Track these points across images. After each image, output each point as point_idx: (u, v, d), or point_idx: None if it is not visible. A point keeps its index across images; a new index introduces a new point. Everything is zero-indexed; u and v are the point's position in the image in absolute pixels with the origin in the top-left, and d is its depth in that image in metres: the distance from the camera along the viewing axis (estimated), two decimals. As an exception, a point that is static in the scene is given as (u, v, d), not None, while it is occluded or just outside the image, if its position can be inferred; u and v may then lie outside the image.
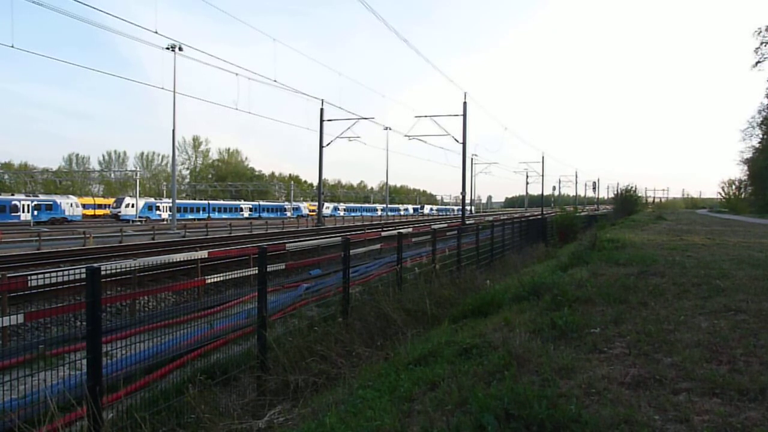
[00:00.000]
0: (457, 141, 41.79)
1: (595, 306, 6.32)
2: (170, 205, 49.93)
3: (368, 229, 40.30)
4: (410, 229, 27.34)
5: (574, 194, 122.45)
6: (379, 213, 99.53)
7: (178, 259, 15.52)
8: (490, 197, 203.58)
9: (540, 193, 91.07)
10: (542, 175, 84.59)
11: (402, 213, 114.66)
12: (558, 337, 5.05)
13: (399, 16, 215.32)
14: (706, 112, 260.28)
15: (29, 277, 7.29)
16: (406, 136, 43.13)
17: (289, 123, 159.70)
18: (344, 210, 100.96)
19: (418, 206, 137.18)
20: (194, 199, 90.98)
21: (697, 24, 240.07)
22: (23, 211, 56.26)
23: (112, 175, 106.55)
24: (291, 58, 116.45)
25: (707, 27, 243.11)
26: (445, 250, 14.55)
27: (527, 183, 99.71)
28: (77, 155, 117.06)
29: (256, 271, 6.62)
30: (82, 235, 28.41)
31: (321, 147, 43.36)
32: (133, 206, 65.95)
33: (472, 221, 41.40)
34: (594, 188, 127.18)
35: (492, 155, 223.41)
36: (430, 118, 41.57)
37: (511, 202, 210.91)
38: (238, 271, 11.99)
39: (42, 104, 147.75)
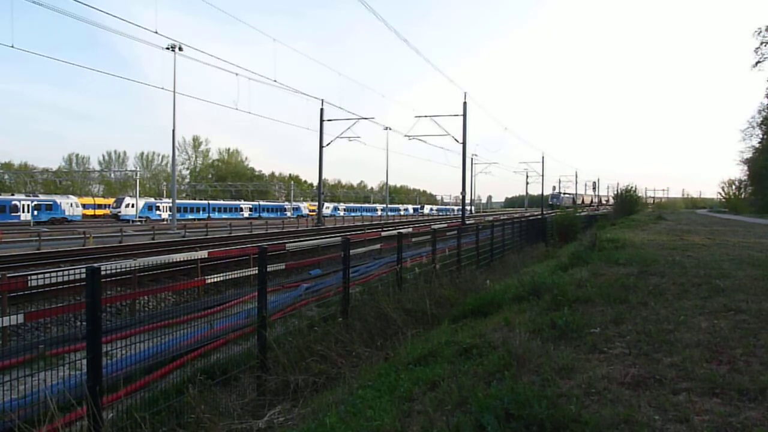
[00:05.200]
0: (457, 141, 41.81)
1: (595, 306, 6.32)
2: (170, 205, 49.92)
3: (368, 229, 40.29)
4: (410, 229, 27.32)
5: (591, 195, 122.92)
6: (379, 213, 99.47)
7: (178, 259, 15.51)
8: (490, 197, 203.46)
9: (540, 193, 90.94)
10: (542, 175, 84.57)
11: (402, 213, 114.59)
12: (558, 337, 5.05)
13: (399, 16, 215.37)
14: (706, 112, 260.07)
15: (29, 277, 7.28)
16: (406, 136, 43.14)
17: (289, 123, 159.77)
18: (344, 210, 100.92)
19: (418, 206, 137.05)
20: (194, 199, 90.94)
21: (697, 24, 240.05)
22: (23, 211, 56.27)
23: (112, 175, 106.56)
24: (291, 58, 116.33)
25: (707, 27, 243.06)
26: (445, 250, 14.55)
27: (527, 183, 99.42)
28: (77, 155, 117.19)
29: (256, 271, 6.62)
30: (82, 235, 28.40)
31: (321, 147, 43.35)
32: (133, 206, 65.95)
33: (472, 221, 41.38)
34: (594, 188, 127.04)
35: (492, 155, 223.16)
36: (430, 118, 41.58)
37: (511, 202, 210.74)
38: (238, 271, 11.98)
39: (42, 104, 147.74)
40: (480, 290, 9.93)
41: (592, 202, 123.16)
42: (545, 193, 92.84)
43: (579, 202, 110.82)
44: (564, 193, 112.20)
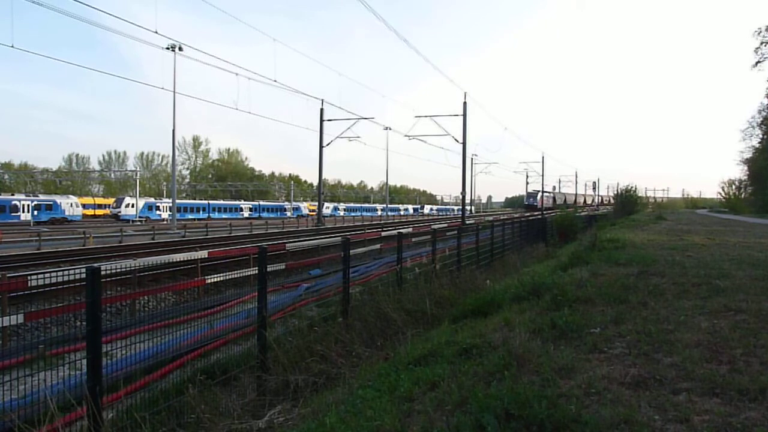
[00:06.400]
0: (457, 141, 41.76)
1: (595, 306, 6.32)
2: (170, 205, 49.94)
3: (368, 229, 40.28)
4: (410, 229, 27.32)
5: (574, 194, 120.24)
6: (379, 213, 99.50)
7: (178, 259, 15.51)
8: (490, 197, 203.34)
9: (540, 192, 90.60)
10: (542, 175, 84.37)
11: (402, 213, 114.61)
12: (558, 337, 5.05)
13: (399, 16, 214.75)
14: (706, 112, 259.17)
15: (29, 277, 7.29)
16: (406, 136, 43.05)
17: (289, 123, 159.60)
18: (344, 210, 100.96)
19: (418, 206, 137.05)
20: (194, 199, 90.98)
21: (697, 24, 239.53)
22: (23, 211, 56.29)
23: (112, 175, 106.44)
24: (291, 58, 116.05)
25: (707, 27, 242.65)
26: (445, 250, 14.54)
27: (527, 183, 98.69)
28: (77, 155, 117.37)
29: (256, 271, 6.62)
30: (82, 235, 28.41)
31: (321, 147, 43.30)
32: (133, 206, 65.96)
33: (472, 221, 41.37)
34: (594, 188, 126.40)
35: (492, 155, 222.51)
36: (430, 118, 41.51)
37: (511, 202, 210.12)
38: (238, 271, 11.98)
39: (42, 104, 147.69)
40: (480, 290, 9.93)
41: (576, 201, 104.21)
42: (543, 191, 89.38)
43: (561, 201, 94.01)
44: (543, 192, 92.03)
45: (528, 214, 56.80)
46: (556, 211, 55.12)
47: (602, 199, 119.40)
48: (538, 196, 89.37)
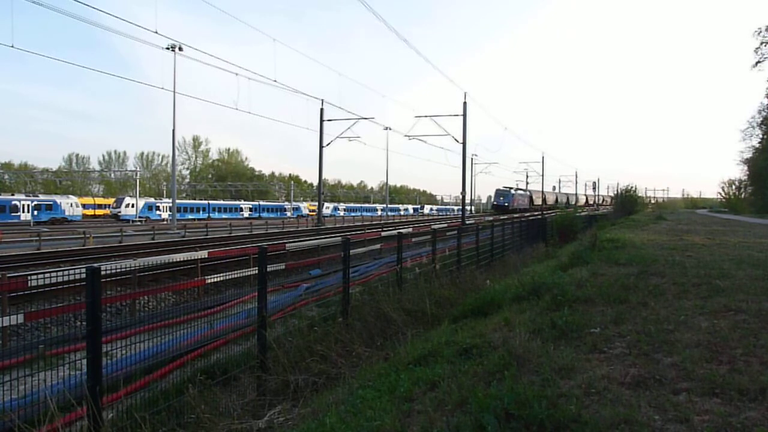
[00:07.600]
0: (457, 141, 41.73)
1: (595, 306, 6.32)
2: (170, 205, 49.96)
3: (368, 229, 40.27)
4: (410, 229, 27.34)
5: (574, 194, 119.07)
6: (379, 213, 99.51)
7: (178, 259, 15.52)
8: (490, 197, 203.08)
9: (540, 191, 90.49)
10: (542, 175, 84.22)
11: (402, 213, 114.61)
12: (558, 337, 5.05)
13: (399, 16, 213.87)
14: (706, 112, 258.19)
15: (29, 277, 7.30)
16: (406, 136, 43.01)
17: (289, 123, 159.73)
18: (344, 210, 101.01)
19: (418, 206, 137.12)
20: (194, 199, 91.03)
21: (697, 24, 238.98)
22: (23, 211, 56.31)
23: (112, 175, 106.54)
24: (291, 58, 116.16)
25: (707, 27, 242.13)
26: (445, 250, 14.55)
27: (527, 183, 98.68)
28: (77, 155, 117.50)
29: (256, 271, 6.63)
30: (82, 235, 28.40)
31: (321, 147, 43.28)
32: (133, 206, 66.00)
33: (472, 221, 41.37)
34: (594, 188, 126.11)
35: (492, 155, 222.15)
36: (430, 118, 41.47)
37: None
38: (238, 271, 12.00)
39: (42, 104, 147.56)
40: (480, 290, 9.92)
41: (557, 200, 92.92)
42: (517, 188, 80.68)
43: (539, 202, 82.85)
44: (518, 189, 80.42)
45: (491, 218, 48.68)
46: (537, 213, 52.35)
47: (600, 199, 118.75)
48: (513, 194, 76.86)
